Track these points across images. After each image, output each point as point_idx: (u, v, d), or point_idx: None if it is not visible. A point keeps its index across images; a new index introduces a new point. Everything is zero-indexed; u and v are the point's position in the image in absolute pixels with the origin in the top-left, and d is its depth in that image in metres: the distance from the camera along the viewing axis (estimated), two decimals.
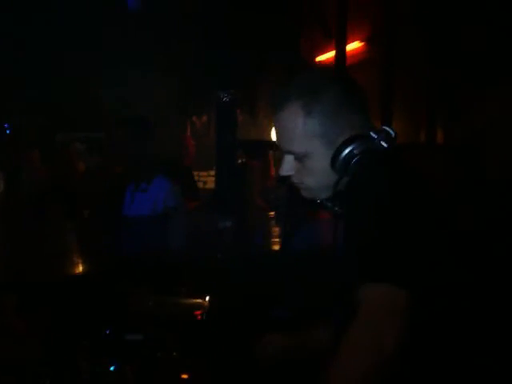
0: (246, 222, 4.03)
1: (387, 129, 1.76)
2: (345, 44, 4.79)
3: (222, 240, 3.61)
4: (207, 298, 2.71)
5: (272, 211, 4.41)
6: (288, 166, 1.83)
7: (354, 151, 1.71)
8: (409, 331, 1.43)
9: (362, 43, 6.86)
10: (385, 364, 1.40)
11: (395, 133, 1.76)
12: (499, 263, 2.03)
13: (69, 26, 6.09)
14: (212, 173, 7.32)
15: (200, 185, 8.12)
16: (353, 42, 6.65)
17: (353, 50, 6.66)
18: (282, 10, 4.71)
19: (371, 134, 1.74)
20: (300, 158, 1.79)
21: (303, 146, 1.77)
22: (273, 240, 4.10)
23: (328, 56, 7.06)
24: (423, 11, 5.49)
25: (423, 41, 5.48)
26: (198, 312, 2.64)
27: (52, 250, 3.24)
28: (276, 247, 4.01)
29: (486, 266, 1.85)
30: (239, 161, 4.63)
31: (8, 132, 7.05)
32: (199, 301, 2.71)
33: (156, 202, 3.85)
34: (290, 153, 1.81)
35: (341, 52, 4.69)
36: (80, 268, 3.17)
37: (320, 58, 7.46)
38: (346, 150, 1.72)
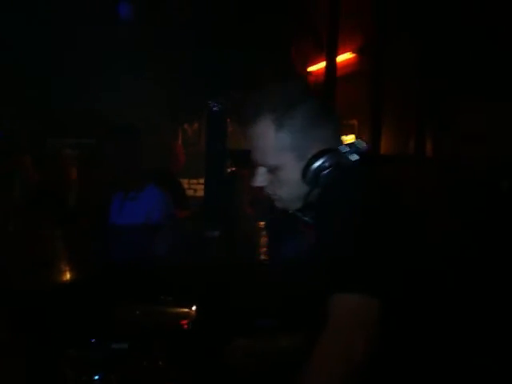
0: (235, 232, 4.05)
1: (357, 142, 1.83)
2: (335, 55, 4.82)
3: (209, 249, 3.62)
4: (194, 308, 2.72)
5: (261, 221, 4.42)
6: (261, 178, 1.89)
7: (324, 164, 1.76)
8: (380, 339, 1.47)
9: (354, 54, 6.90)
10: (354, 373, 1.43)
11: (365, 146, 1.83)
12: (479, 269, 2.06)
13: (62, 31, 6.09)
14: (202, 181, 7.33)
15: (190, 192, 8.13)
16: (344, 52, 6.69)
17: (344, 61, 6.69)
18: (274, 20, 4.74)
19: (341, 147, 1.80)
20: (272, 170, 1.85)
21: (275, 158, 1.83)
22: (261, 250, 4.11)
23: (319, 66, 7.09)
24: (414, 22, 5.53)
25: (414, 51, 5.51)
26: (185, 321, 2.65)
27: (40, 258, 3.24)
28: (264, 257, 4.02)
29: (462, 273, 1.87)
30: (229, 170, 4.64)
31: (0, 137, 7.04)
32: (186, 310, 2.72)
33: (146, 211, 3.85)
34: (263, 165, 1.85)
35: (331, 63, 4.71)
36: (67, 276, 3.17)
37: (311, 69, 7.49)
38: (317, 163, 1.78)
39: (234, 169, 5.33)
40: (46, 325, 2.57)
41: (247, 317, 2.93)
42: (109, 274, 3.07)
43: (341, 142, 1.85)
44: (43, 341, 2.43)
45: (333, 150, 1.81)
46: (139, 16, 5.56)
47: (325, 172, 1.78)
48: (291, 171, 1.83)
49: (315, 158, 1.79)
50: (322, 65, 6.66)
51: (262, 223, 4.36)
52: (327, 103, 1.90)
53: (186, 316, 2.69)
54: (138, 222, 3.81)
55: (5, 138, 7.00)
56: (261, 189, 1.92)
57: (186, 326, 2.63)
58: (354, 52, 6.87)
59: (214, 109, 3.65)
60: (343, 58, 6.71)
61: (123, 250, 3.49)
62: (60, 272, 3.17)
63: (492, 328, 1.87)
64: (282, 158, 1.82)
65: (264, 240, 4.15)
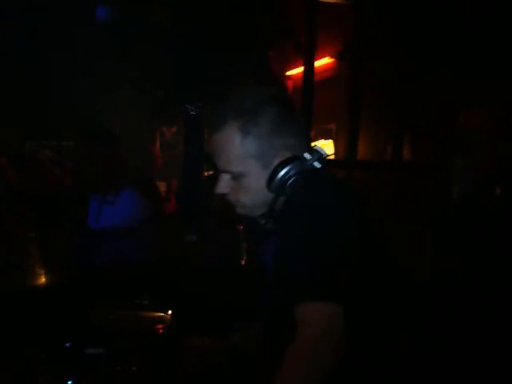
0: (212, 236, 4.04)
1: (320, 149, 1.84)
2: (314, 60, 4.83)
3: (186, 253, 3.62)
4: (169, 312, 2.71)
5: (239, 225, 4.41)
6: (224, 185, 1.89)
7: (289, 173, 1.77)
8: (347, 344, 1.50)
9: (332, 59, 6.92)
10: (324, 380, 1.46)
11: (326, 153, 1.84)
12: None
13: (42, 31, 6.05)
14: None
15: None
16: (323, 57, 6.70)
17: (323, 66, 6.71)
18: (252, 22, 4.74)
19: (305, 155, 1.80)
20: (236, 178, 1.85)
21: (240, 166, 1.83)
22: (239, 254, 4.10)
23: (298, 71, 7.10)
24: (393, 27, 5.56)
25: (392, 57, 5.54)
26: (160, 326, 2.64)
27: (13, 260, 3.21)
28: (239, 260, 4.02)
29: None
30: (206, 173, 4.64)
31: None
32: (161, 314, 2.72)
33: (123, 215, 3.84)
34: (226, 172, 1.85)
35: (309, 67, 4.72)
36: (41, 279, 3.15)
37: (290, 73, 7.50)
38: (282, 172, 1.78)
39: (211, 173, 5.33)
40: (19, 328, 2.56)
41: (223, 320, 2.94)
42: (84, 278, 3.06)
43: (305, 150, 1.85)
44: (16, 344, 2.41)
45: (297, 157, 1.81)
46: (116, 17, 5.54)
47: (290, 180, 1.78)
48: (255, 179, 1.83)
49: (280, 166, 1.79)
50: (301, 69, 6.70)
51: (239, 227, 4.35)
52: (293, 110, 1.89)
53: (161, 320, 2.69)
54: (115, 226, 3.80)
55: None
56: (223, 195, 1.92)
57: (161, 331, 2.62)
58: (332, 57, 6.89)
59: (191, 113, 3.65)
60: (322, 62, 6.73)
61: (100, 253, 3.48)
62: (34, 275, 3.15)
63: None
64: (246, 165, 1.82)
65: (240, 244, 4.14)
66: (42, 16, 5.70)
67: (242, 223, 4.61)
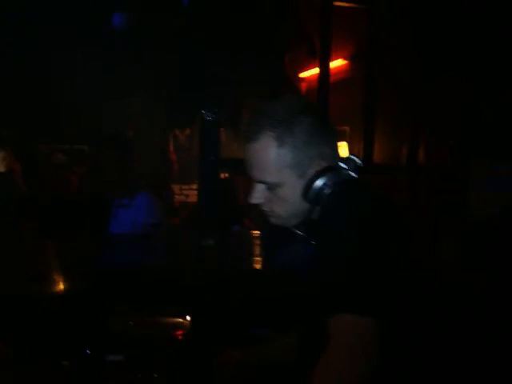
0: (229, 241, 4.04)
1: (354, 158, 1.83)
2: (328, 62, 4.81)
3: (203, 258, 3.62)
4: (188, 317, 2.71)
5: (256, 229, 4.41)
6: (259, 195, 1.87)
7: (327, 183, 1.76)
8: (380, 356, 1.49)
9: (346, 61, 6.91)
10: None
11: (361, 162, 1.83)
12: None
13: (53, 34, 6.06)
14: (194, 186, 7.32)
15: (182, 198, 8.13)
16: (336, 59, 6.69)
17: (336, 68, 6.70)
18: (269, 26, 4.73)
19: (341, 164, 1.80)
20: (271, 188, 1.83)
21: (275, 176, 1.81)
22: (255, 259, 4.10)
23: (311, 73, 7.09)
24: (408, 29, 5.54)
25: (408, 58, 5.52)
26: (179, 332, 2.64)
27: (30, 269, 3.21)
28: (258, 266, 4.01)
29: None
30: (222, 176, 4.64)
31: None
32: (180, 320, 2.71)
33: (138, 219, 3.85)
34: (261, 182, 1.84)
35: (325, 69, 4.70)
36: (60, 287, 3.15)
37: (303, 75, 7.49)
38: (319, 181, 1.77)
39: (227, 175, 5.33)
40: (39, 336, 2.56)
41: (242, 326, 2.94)
42: (103, 284, 3.06)
43: (339, 159, 1.84)
44: (38, 353, 2.42)
45: (334, 167, 1.81)
46: (131, 24, 5.55)
47: (327, 191, 1.78)
48: (291, 189, 1.81)
49: (317, 176, 1.78)
50: (314, 71, 6.69)
51: (256, 232, 4.35)
52: (327, 119, 1.88)
53: (180, 326, 2.69)
54: (130, 230, 3.80)
55: None
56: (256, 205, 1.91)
57: (180, 337, 2.62)
58: (346, 59, 6.87)
59: (208, 118, 3.64)
60: (335, 64, 6.72)
61: (117, 259, 3.48)
62: (52, 282, 3.15)
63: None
64: (281, 176, 1.80)
65: (258, 249, 4.14)
66: (55, 19, 5.71)
67: (257, 228, 4.65)
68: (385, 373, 1.59)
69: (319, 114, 1.87)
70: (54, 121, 7.14)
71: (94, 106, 6.52)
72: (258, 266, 3.98)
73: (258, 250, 4.14)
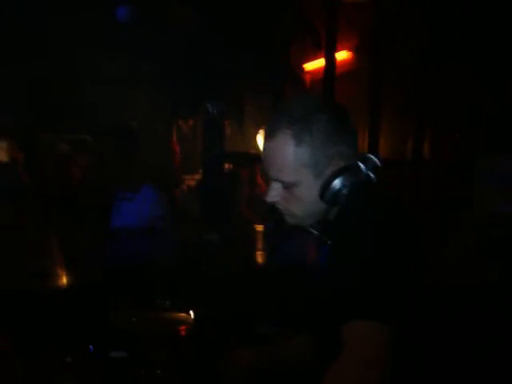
0: (232, 235, 4.01)
1: (373, 158, 1.80)
2: (334, 54, 4.79)
3: (206, 253, 3.60)
4: (191, 313, 2.69)
5: (259, 223, 4.38)
6: (275, 193, 1.85)
7: (344, 183, 1.73)
8: (393, 362, 1.48)
9: (350, 53, 6.87)
10: None
11: (380, 162, 1.80)
12: None
13: (60, 24, 6.02)
14: (196, 176, 7.29)
15: (184, 187, 8.09)
16: (341, 51, 6.66)
17: (341, 60, 6.66)
18: (274, 17, 4.70)
19: (359, 164, 1.77)
20: (288, 187, 1.80)
21: (292, 175, 1.78)
22: (258, 253, 4.08)
23: (316, 64, 7.05)
24: (413, 20, 5.51)
25: (413, 50, 5.49)
26: (183, 327, 2.62)
27: (31, 262, 3.18)
28: (261, 261, 3.99)
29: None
30: (226, 168, 4.61)
31: None
32: (183, 315, 2.70)
33: (142, 213, 3.82)
34: (278, 181, 1.81)
35: (330, 62, 4.68)
36: (62, 281, 3.13)
37: (308, 66, 7.45)
38: (336, 182, 1.74)
39: (231, 168, 5.30)
40: (42, 332, 2.54)
41: (246, 322, 2.92)
42: (105, 279, 3.04)
43: (357, 158, 1.81)
44: (40, 349, 2.40)
45: (352, 167, 1.78)
46: (136, 17, 5.52)
47: (344, 191, 1.75)
48: (308, 188, 1.79)
49: (334, 176, 1.76)
50: (319, 63, 6.66)
51: (260, 226, 4.31)
52: (346, 117, 1.84)
53: (183, 322, 2.67)
54: (134, 224, 3.78)
55: None
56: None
57: (183, 332, 2.61)
58: (350, 50, 6.83)
59: (212, 111, 3.62)
60: (339, 56, 6.66)
61: (120, 253, 3.46)
62: (55, 276, 3.13)
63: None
64: (298, 175, 1.78)
65: (261, 244, 4.12)
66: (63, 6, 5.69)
67: (261, 222, 4.63)
68: (398, 377, 1.58)
69: (338, 112, 1.82)
70: (56, 110, 7.09)
71: (97, 95, 6.47)
72: (261, 261, 3.96)
73: (261, 244, 4.12)
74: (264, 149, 1.83)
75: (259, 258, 4.03)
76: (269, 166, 1.83)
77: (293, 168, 1.77)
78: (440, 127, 5.24)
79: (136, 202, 3.90)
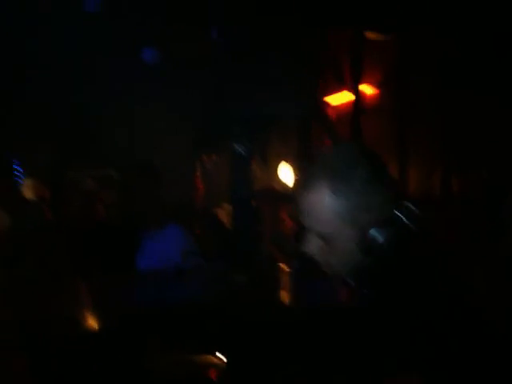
0: (260, 275, 3.99)
1: (410, 206, 1.78)
2: (358, 90, 4.80)
3: (234, 294, 3.57)
4: (223, 356, 2.67)
5: (285, 261, 4.34)
6: (311, 244, 1.83)
7: (381, 234, 1.72)
8: None
9: (374, 88, 6.87)
10: None
11: (418, 210, 1.78)
12: None
13: (82, 62, 6.10)
14: (220, 210, 7.28)
15: (207, 224, 8.06)
16: (365, 86, 6.66)
17: (366, 95, 6.66)
18: (301, 54, 4.72)
19: (397, 214, 1.75)
20: (325, 237, 1.79)
21: (329, 225, 1.77)
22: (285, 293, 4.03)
23: (339, 98, 7.05)
24: (437, 57, 5.52)
25: (438, 86, 5.49)
26: (214, 370, 2.61)
27: (60, 306, 3.16)
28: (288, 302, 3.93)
29: None
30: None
31: (22, 171, 6.99)
32: (214, 358, 2.68)
33: (168, 252, 3.79)
34: (315, 231, 1.80)
35: (356, 98, 4.69)
36: (91, 325, 3.11)
37: (330, 99, 7.45)
38: (373, 233, 1.72)
39: (256, 204, 5.28)
40: (75, 375, 2.54)
41: (276, 365, 2.89)
42: (135, 322, 3.02)
43: (395, 207, 1.79)
44: None
45: (390, 217, 1.76)
46: (161, 59, 5.58)
47: (381, 243, 1.74)
48: (345, 239, 1.78)
49: (372, 227, 1.74)
50: (341, 96, 6.66)
51: (284, 265, 4.25)
52: (383, 166, 1.84)
53: (214, 365, 2.65)
54: (159, 264, 3.74)
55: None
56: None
57: (215, 376, 2.59)
58: (374, 86, 6.84)
59: (239, 151, 3.63)
60: (364, 91, 6.68)
61: (149, 295, 3.44)
62: (84, 321, 3.11)
63: None
64: (335, 226, 1.77)
65: (288, 283, 4.07)
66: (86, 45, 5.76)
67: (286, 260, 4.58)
68: None
69: (376, 163, 1.81)
70: (83, 146, 7.16)
71: (123, 132, 6.54)
72: (288, 302, 3.91)
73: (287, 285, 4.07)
74: (300, 199, 1.82)
75: (285, 299, 3.98)
76: (305, 217, 1.82)
77: (330, 220, 1.76)
78: (467, 164, 5.21)
79: (161, 241, 3.88)
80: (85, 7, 5.40)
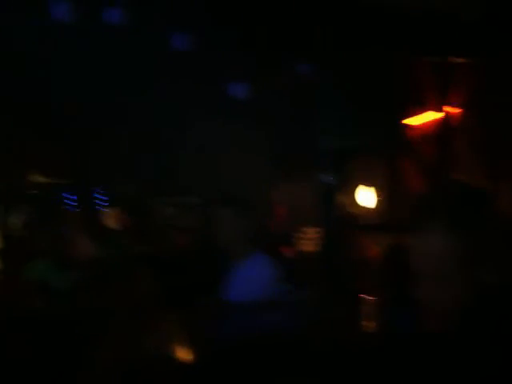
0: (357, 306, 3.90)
1: None
2: (442, 111, 4.72)
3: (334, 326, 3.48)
4: None
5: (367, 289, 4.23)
6: (426, 287, 1.76)
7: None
8: None
9: (456, 109, 6.75)
10: None
11: None
12: None
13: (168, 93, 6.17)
14: (304, 239, 7.21)
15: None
16: (449, 107, 6.55)
17: (449, 117, 6.55)
18: (387, 82, 4.68)
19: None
20: (438, 278, 1.72)
21: (443, 267, 1.71)
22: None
23: (420, 119, 6.95)
24: None
25: None
26: None
27: (149, 341, 3.13)
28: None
29: None
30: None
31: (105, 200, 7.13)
32: None
33: (256, 282, 3.76)
34: (431, 272, 1.74)
35: (443, 119, 4.61)
36: (183, 360, 3.07)
37: (411, 121, 7.36)
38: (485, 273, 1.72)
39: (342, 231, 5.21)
40: None
41: None
42: (228, 354, 2.96)
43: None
44: None
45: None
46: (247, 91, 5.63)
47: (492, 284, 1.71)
48: (458, 280, 1.72)
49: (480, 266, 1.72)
50: (422, 117, 6.57)
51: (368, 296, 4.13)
52: (489, 202, 1.78)
53: None
54: (249, 294, 3.71)
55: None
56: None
57: None
58: (456, 107, 6.72)
59: (327, 182, 3.58)
60: (448, 112, 6.57)
61: (239, 326, 3.39)
62: (177, 355, 3.08)
63: None
64: (449, 266, 1.71)
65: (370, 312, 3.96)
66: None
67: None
68: None
69: (483, 201, 1.78)
70: (165, 175, 7.25)
71: (207, 160, 6.60)
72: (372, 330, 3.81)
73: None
74: (415, 241, 1.76)
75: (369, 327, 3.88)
76: (419, 257, 1.76)
77: (447, 258, 1.70)
78: None
79: (248, 271, 3.85)
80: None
